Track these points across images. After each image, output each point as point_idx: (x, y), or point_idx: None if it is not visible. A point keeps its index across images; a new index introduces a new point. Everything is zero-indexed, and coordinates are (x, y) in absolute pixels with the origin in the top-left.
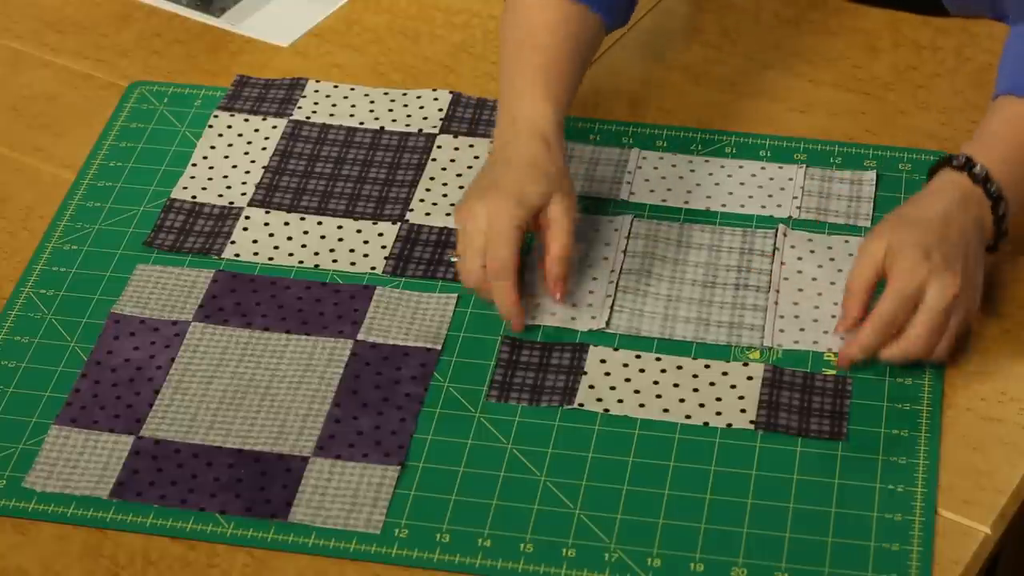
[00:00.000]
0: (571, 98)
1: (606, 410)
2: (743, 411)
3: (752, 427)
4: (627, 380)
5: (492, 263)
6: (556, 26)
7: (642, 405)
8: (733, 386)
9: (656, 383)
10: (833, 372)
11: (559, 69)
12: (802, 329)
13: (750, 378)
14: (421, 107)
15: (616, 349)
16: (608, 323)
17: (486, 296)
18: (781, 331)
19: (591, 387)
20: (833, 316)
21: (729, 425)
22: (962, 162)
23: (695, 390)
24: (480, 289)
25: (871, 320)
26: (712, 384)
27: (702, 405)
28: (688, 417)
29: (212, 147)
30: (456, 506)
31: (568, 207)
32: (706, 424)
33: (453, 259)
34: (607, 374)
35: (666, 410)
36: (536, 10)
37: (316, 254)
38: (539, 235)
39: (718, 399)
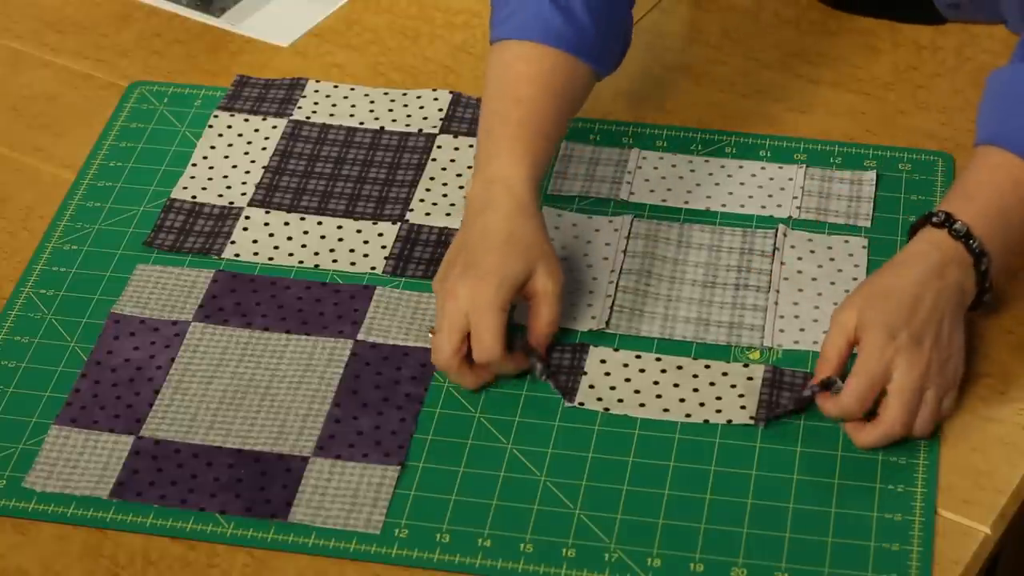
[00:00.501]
0: (550, 156)
1: (606, 409)
2: (743, 408)
3: (752, 422)
4: (627, 380)
5: (479, 353)
6: (540, 78)
7: (642, 405)
8: (733, 386)
9: (656, 383)
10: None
11: (539, 125)
12: (802, 329)
13: (750, 378)
14: (421, 107)
15: (616, 349)
16: (608, 323)
17: (454, 379)
18: (781, 331)
19: (591, 387)
20: None
21: (729, 421)
22: (942, 219)
23: (695, 390)
24: (449, 369)
25: (844, 394)
26: (712, 384)
27: (702, 405)
28: (688, 416)
29: (212, 147)
30: (456, 506)
31: (552, 277)
32: (706, 422)
33: (429, 334)
34: (607, 374)
35: (666, 410)
36: (521, 61)
37: (316, 254)
38: (527, 302)
39: (718, 398)
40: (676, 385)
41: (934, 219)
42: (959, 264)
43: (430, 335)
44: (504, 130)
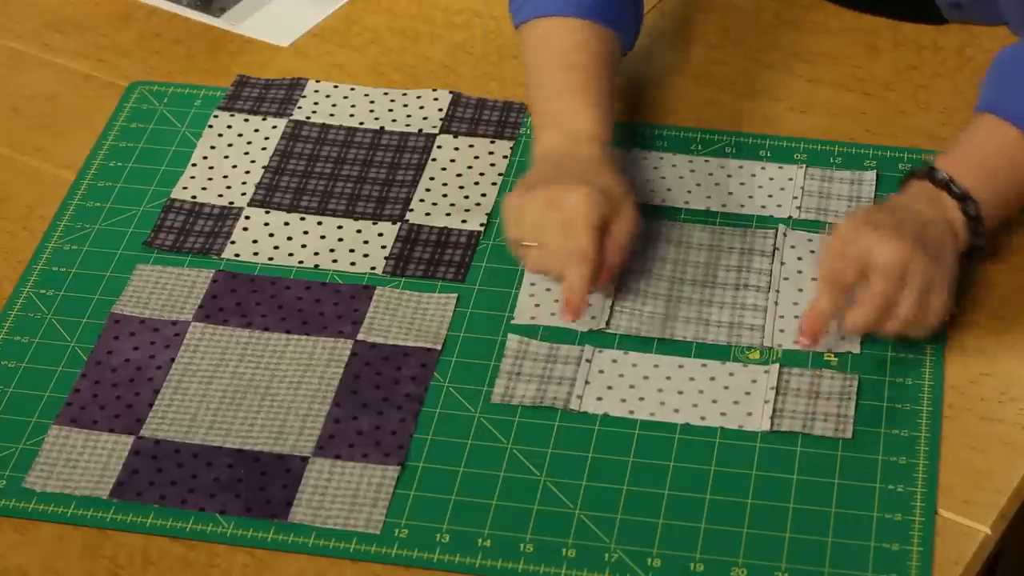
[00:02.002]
0: (614, 120)
1: (606, 411)
2: (748, 413)
3: (755, 428)
4: (627, 380)
5: (575, 250)
6: (585, 46)
7: (642, 403)
8: (729, 387)
9: (656, 383)
10: (838, 372)
11: (602, 89)
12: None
13: (753, 380)
14: (421, 107)
15: (616, 349)
16: (608, 323)
17: (574, 275)
18: (781, 331)
19: (591, 386)
20: None
21: (738, 426)
22: (924, 171)
23: (696, 391)
24: (587, 264)
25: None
26: (712, 384)
27: (699, 405)
28: (688, 416)
29: (212, 147)
30: (456, 506)
31: (632, 220)
32: (703, 419)
33: (530, 243)
34: (607, 374)
35: (666, 409)
36: (556, 35)
37: (316, 254)
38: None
39: (716, 400)
40: (676, 385)
41: (917, 171)
42: (943, 203)
43: (524, 247)
44: (570, 93)
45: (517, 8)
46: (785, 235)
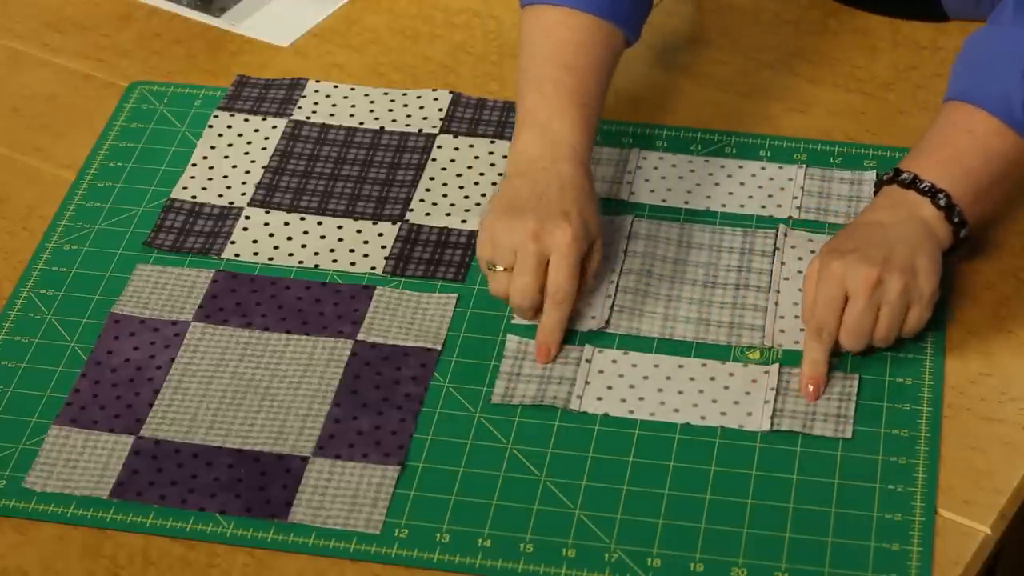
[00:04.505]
0: (597, 127)
1: (606, 411)
2: (748, 413)
3: (755, 427)
4: (627, 380)
5: (556, 292)
6: (587, 48)
7: (642, 403)
8: (729, 387)
9: (656, 383)
10: (838, 372)
11: (591, 95)
12: (802, 329)
13: (753, 380)
14: (421, 107)
15: (616, 349)
16: (608, 323)
17: (531, 318)
18: (781, 331)
19: (591, 386)
20: None
21: (738, 426)
22: (891, 175)
23: (696, 391)
24: (529, 310)
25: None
26: (712, 384)
27: (699, 405)
28: (688, 416)
29: (212, 147)
30: (456, 506)
31: (600, 257)
32: (703, 419)
33: (495, 268)
34: (607, 374)
35: (666, 409)
36: (562, 27)
37: (316, 254)
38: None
39: (716, 400)
40: (676, 385)
41: (884, 178)
42: (913, 203)
43: (492, 270)
44: (560, 94)
45: None
46: (786, 235)
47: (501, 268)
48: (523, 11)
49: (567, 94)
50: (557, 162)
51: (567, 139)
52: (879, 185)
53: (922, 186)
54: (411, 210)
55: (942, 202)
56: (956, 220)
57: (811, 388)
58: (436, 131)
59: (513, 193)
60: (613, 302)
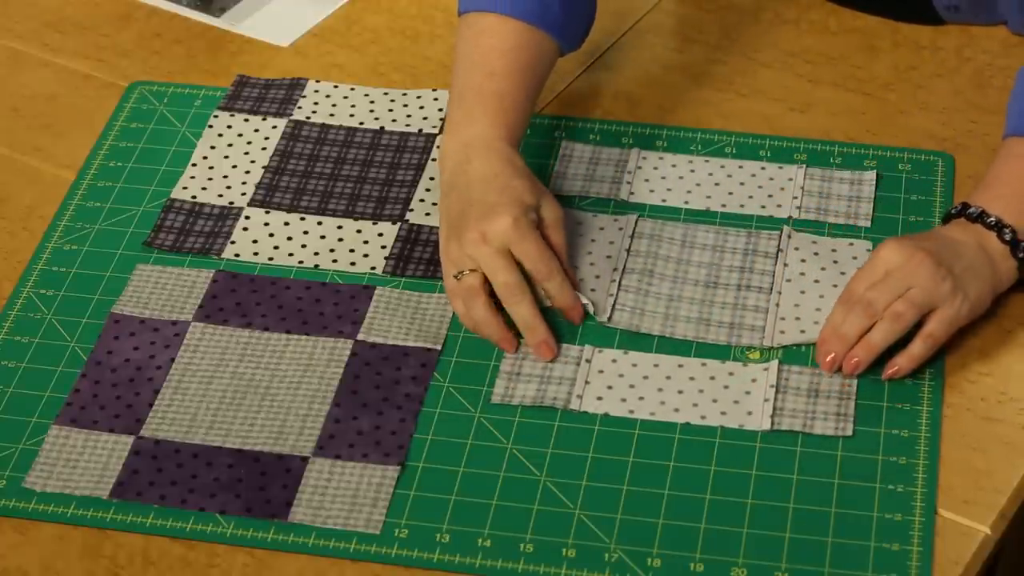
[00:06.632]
0: (523, 128)
1: (606, 411)
2: (748, 412)
3: (755, 427)
4: (627, 380)
5: (539, 272)
6: (511, 53)
7: (642, 403)
8: (729, 386)
9: (656, 383)
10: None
11: (512, 98)
12: (803, 331)
13: (753, 379)
14: (421, 107)
15: (616, 349)
16: (610, 319)
17: (534, 317)
18: (782, 332)
19: (591, 386)
20: None
21: (738, 425)
22: (958, 209)
23: (696, 390)
24: (524, 304)
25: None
26: (712, 383)
27: (699, 405)
28: (688, 415)
29: (212, 147)
30: (456, 506)
31: (555, 204)
32: (703, 418)
33: (459, 276)
34: (607, 374)
35: (666, 409)
36: (490, 34)
37: (316, 254)
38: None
39: (716, 399)
40: (676, 385)
41: (953, 211)
42: (979, 234)
43: (460, 276)
44: (478, 99)
45: None
46: (790, 237)
47: (468, 271)
48: (459, 20)
49: (484, 98)
50: (471, 161)
51: (478, 134)
52: (947, 219)
53: (989, 220)
54: (411, 210)
55: (1007, 236)
56: (1022, 256)
57: (855, 361)
58: (436, 131)
59: (447, 211)
60: (615, 301)
